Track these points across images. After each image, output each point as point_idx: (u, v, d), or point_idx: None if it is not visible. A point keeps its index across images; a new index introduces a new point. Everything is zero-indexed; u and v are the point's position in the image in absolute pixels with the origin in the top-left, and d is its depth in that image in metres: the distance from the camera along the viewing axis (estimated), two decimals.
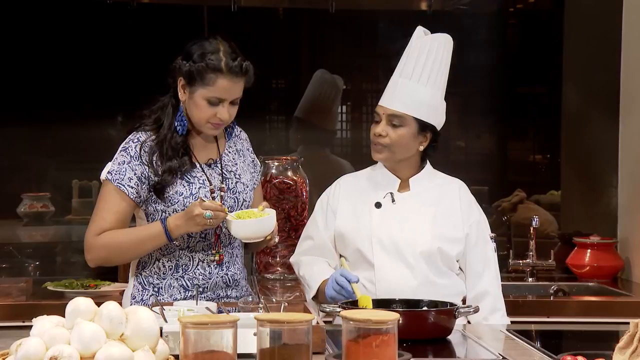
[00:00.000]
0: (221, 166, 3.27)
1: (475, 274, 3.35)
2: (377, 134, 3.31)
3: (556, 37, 5.07)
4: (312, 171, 4.85)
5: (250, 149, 3.41)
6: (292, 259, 3.53)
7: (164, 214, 3.17)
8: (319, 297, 3.30)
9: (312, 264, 3.40)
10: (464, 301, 3.36)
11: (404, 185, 3.39)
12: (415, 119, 3.29)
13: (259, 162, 3.44)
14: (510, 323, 3.37)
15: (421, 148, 3.35)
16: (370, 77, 5.13)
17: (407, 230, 3.31)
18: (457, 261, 3.36)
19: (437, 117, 3.34)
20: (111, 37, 4.84)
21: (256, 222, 3.11)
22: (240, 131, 3.40)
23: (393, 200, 3.36)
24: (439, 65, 3.32)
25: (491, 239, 3.44)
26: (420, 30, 3.38)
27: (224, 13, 4.88)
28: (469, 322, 3.29)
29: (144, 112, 3.26)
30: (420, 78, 3.30)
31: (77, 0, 4.81)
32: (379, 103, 3.35)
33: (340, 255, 3.37)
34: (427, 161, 3.43)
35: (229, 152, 3.32)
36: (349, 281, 3.14)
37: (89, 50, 4.82)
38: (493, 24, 5.14)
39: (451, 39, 3.38)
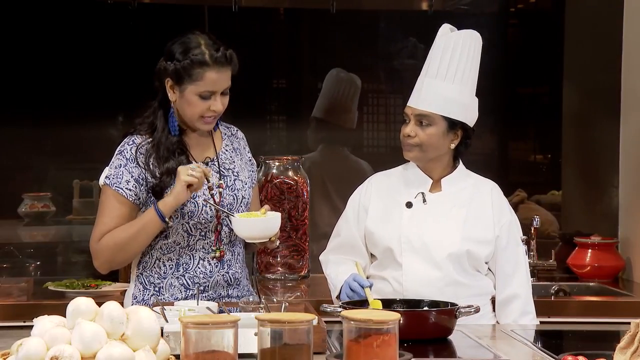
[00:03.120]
0: (218, 164, 3.27)
1: (505, 276, 3.33)
2: (406, 134, 3.30)
3: (557, 37, 5.07)
4: (331, 170, 4.86)
5: (247, 148, 3.41)
6: (321, 257, 3.51)
7: None
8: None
9: (339, 264, 3.38)
10: (493, 302, 3.36)
11: (435, 185, 3.37)
12: (444, 117, 3.28)
13: (255, 162, 3.44)
14: (539, 323, 3.38)
15: (452, 146, 3.33)
16: (371, 77, 5.13)
17: (436, 231, 3.30)
18: (486, 263, 3.35)
19: (467, 113, 3.31)
20: (112, 37, 4.83)
21: (261, 222, 3.11)
22: (237, 130, 3.41)
23: (424, 201, 3.34)
24: (465, 60, 3.29)
25: (522, 241, 3.43)
26: (445, 28, 3.34)
27: (224, 13, 4.87)
28: (497, 322, 3.32)
29: (137, 120, 3.25)
30: (447, 75, 3.28)
31: (77, 0, 4.81)
32: (407, 104, 3.33)
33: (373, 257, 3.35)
34: (460, 161, 3.41)
35: (226, 151, 3.32)
36: (361, 286, 3.14)
37: (90, 50, 4.82)
38: (494, 24, 5.14)
39: (478, 34, 3.34)
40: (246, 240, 3.24)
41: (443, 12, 5.06)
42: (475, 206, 3.34)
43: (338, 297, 3.31)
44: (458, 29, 3.35)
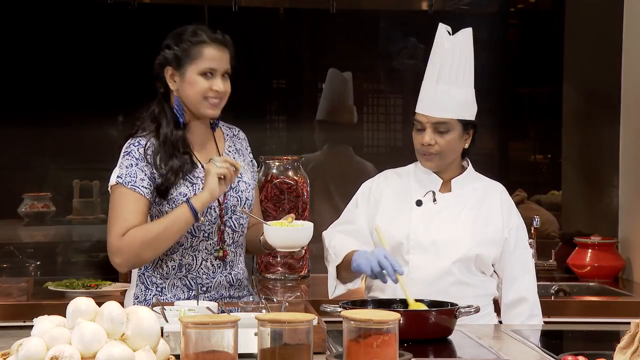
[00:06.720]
0: None
1: (513, 279, 3.34)
2: (425, 143, 3.28)
3: (557, 37, 5.07)
4: (335, 171, 4.86)
5: (249, 148, 3.41)
6: (325, 232, 3.42)
7: None
8: (343, 268, 3.25)
9: (346, 239, 3.32)
10: (494, 302, 3.37)
11: (445, 185, 3.38)
12: (459, 120, 3.29)
13: (255, 163, 3.43)
14: (544, 323, 3.40)
15: (466, 146, 3.36)
16: (371, 78, 5.13)
17: (446, 232, 3.30)
18: (492, 265, 3.35)
19: (473, 110, 3.35)
20: (111, 37, 4.84)
21: (295, 231, 3.07)
22: (239, 131, 3.40)
23: (434, 200, 3.35)
24: (469, 61, 3.31)
25: (529, 245, 3.45)
26: (442, 29, 3.32)
27: (224, 13, 4.88)
28: (500, 322, 3.33)
29: (138, 121, 3.23)
30: (457, 80, 3.28)
31: (77, 0, 4.82)
32: (419, 111, 3.31)
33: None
34: (468, 161, 3.43)
35: (230, 152, 3.31)
36: (394, 270, 3.05)
37: (90, 50, 4.82)
38: (494, 24, 5.14)
39: (470, 29, 3.34)
40: (277, 249, 3.18)
41: (443, 12, 5.06)
42: (485, 209, 3.35)
43: (340, 266, 3.24)
44: (458, 29, 3.36)
